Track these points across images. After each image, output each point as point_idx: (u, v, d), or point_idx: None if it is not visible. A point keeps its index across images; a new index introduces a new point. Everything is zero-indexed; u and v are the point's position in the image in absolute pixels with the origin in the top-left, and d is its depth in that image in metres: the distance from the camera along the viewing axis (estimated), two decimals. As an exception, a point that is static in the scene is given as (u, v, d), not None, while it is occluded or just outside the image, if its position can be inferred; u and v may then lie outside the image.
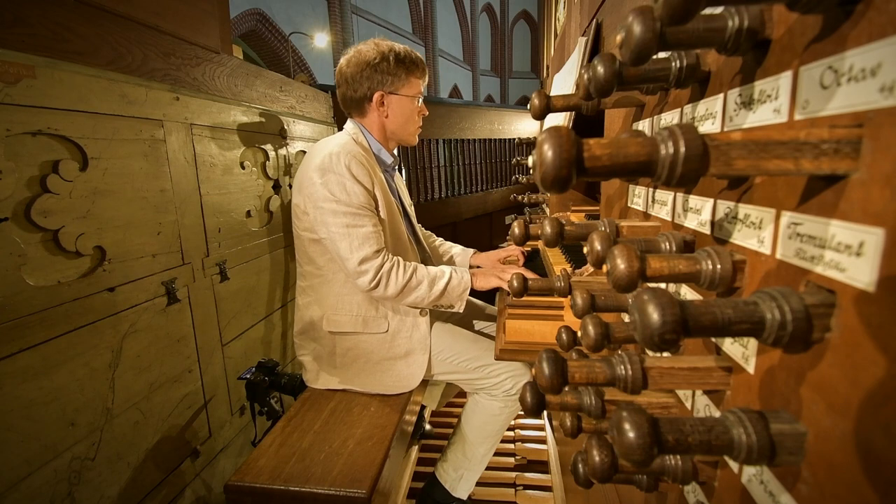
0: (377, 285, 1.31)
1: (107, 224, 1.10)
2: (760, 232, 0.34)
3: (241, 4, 9.41)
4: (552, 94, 0.56)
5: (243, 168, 1.65)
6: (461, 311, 1.42)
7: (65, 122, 1.00)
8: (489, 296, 1.97)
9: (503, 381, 1.45)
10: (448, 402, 2.06)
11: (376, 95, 1.42)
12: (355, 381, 1.45)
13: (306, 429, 1.28)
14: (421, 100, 1.51)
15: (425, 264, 1.57)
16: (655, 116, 0.57)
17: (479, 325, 1.78)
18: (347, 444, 1.22)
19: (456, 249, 1.86)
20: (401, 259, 1.36)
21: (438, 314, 1.61)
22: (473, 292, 1.46)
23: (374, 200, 1.37)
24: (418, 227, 1.76)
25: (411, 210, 1.71)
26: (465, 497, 1.59)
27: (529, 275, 1.43)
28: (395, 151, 1.58)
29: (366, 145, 1.47)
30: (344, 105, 1.51)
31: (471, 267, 1.77)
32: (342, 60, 1.46)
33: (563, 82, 1.41)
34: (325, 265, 1.42)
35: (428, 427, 2.13)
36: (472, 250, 1.83)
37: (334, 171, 1.29)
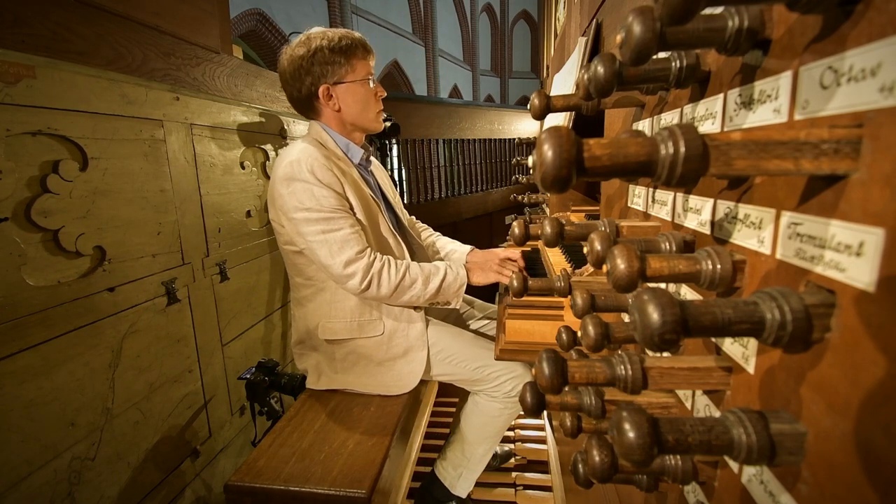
0: (368, 286, 1.26)
1: (107, 224, 1.10)
2: (760, 232, 0.34)
3: (241, 4, 9.40)
4: (552, 94, 0.56)
5: (243, 168, 1.65)
6: (457, 307, 1.39)
7: (65, 122, 1.00)
8: (490, 295, 1.96)
9: (503, 382, 1.44)
10: (443, 402, 2.00)
11: (321, 90, 1.35)
12: (356, 383, 1.44)
13: (306, 429, 1.28)
14: (373, 80, 1.41)
15: (413, 259, 1.52)
16: (655, 116, 0.57)
17: (478, 324, 1.77)
18: (347, 444, 1.22)
19: (452, 246, 1.77)
20: (391, 258, 1.31)
21: (436, 313, 1.60)
22: (473, 289, 1.45)
23: (347, 202, 1.32)
24: (407, 220, 1.69)
25: (396, 201, 1.63)
26: (464, 496, 1.58)
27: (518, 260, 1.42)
28: (369, 142, 1.50)
29: (331, 145, 1.40)
30: (294, 106, 1.44)
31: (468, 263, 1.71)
32: (280, 60, 1.38)
33: (563, 82, 1.41)
34: (314, 275, 1.38)
35: None
36: (469, 247, 1.73)
37: (298, 179, 1.24)
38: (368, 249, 1.29)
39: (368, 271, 1.26)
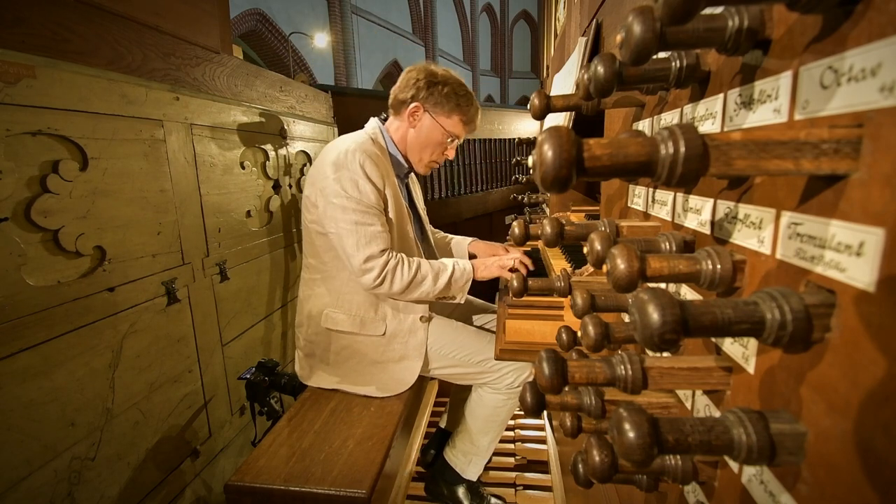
0: (382, 282, 1.32)
1: (107, 224, 1.10)
2: (760, 232, 0.34)
3: (241, 4, 9.41)
4: (552, 94, 0.56)
5: (243, 168, 1.65)
6: (462, 301, 1.45)
7: (65, 122, 1.00)
8: (490, 295, 1.97)
9: (506, 374, 1.46)
10: (443, 402, 2.04)
11: (413, 105, 1.46)
12: (347, 378, 1.46)
13: (306, 429, 1.28)
14: (452, 141, 1.51)
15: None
16: (655, 116, 0.57)
17: (479, 320, 1.78)
18: (347, 444, 1.22)
19: (457, 239, 1.88)
20: (405, 255, 1.38)
21: (438, 308, 1.61)
22: (474, 288, 1.47)
23: (385, 201, 1.39)
24: (430, 230, 1.79)
25: (424, 215, 1.73)
26: (474, 479, 1.63)
27: (526, 260, 1.45)
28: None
29: (382, 145, 1.49)
30: (390, 101, 1.54)
31: (470, 256, 1.79)
32: (416, 64, 1.53)
33: (563, 82, 1.41)
34: (330, 261, 1.43)
35: None
36: (470, 238, 1.85)
37: (348, 168, 1.32)
38: (389, 250, 1.35)
39: (384, 268, 1.32)
